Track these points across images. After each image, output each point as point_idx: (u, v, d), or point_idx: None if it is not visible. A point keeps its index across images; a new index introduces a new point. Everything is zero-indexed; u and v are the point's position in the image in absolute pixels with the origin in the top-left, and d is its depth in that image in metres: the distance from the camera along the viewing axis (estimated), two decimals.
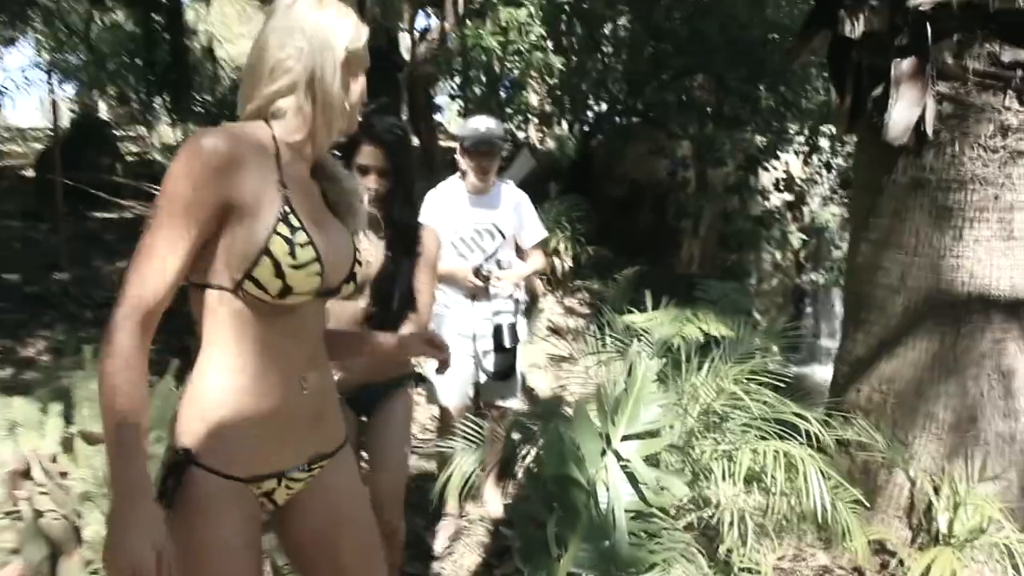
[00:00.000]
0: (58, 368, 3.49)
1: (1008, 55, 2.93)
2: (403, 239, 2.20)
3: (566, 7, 8.51)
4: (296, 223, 1.27)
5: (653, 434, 1.78)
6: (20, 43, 14.36)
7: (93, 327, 4.77)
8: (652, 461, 1.80)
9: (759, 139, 8.55)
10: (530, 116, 10.05)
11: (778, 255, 11.52)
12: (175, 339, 4.23)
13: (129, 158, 10.43)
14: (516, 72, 8.36)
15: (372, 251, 2.13)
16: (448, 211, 3.24)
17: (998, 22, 2.91)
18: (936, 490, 3.08)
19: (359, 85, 1.39)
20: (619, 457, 1.73)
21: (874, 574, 3.24)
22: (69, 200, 7.18)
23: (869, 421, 3.25)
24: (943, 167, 3.07)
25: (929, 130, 3.04)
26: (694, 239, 10.44)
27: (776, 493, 2.36)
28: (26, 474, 1.79)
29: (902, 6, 3.03)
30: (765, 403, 2.63)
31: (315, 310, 1.39)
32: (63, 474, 1.84)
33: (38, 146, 11.69)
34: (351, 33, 1.34)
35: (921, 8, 2.97)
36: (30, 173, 9.91)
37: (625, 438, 1.74)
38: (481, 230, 3.28)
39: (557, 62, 8.32)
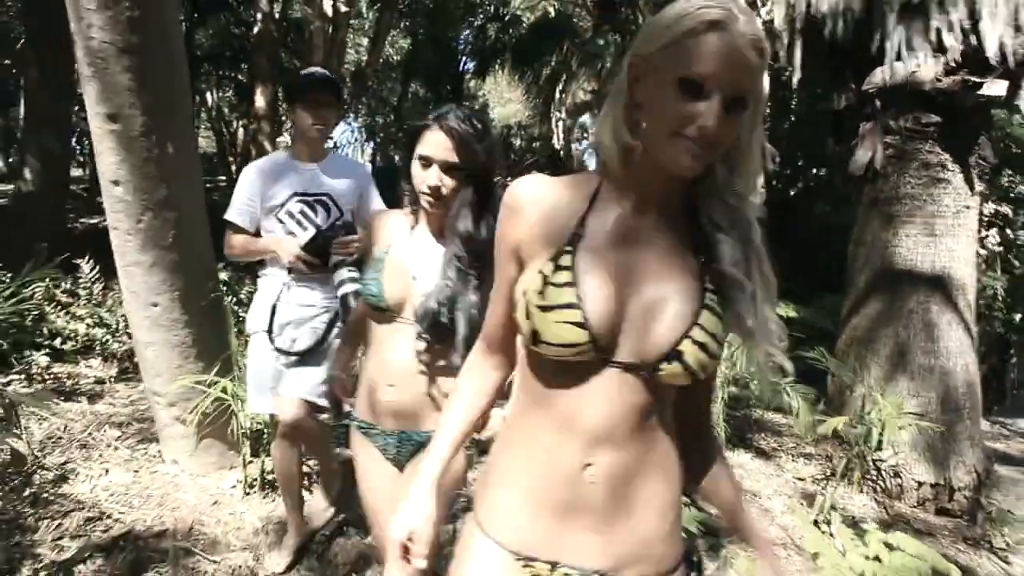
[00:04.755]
0: None
1: (925, 118, 4.59)
2: (471, 255, 1.76)
3: None
4: (566, 263, 1.07)
5: None
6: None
7: None
8: None
9: None
10: None
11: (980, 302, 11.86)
12: None
13: None
14: None
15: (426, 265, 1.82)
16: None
17: (918, 99, 4.59)
18: (874, 402, 4.68)
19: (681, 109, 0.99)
20: None
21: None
22: None
23: (843, 358, 4.93)
24: (888, 190, 4.75)
25: (878, 166, 4.75)
26: None
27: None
28: None
29: (862, 89, 4.80)
30: None
31: (609, 382, 1.08)
32: None
33: None
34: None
35: (871, 91, 4.73)
36: None
37: None
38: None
39: None
